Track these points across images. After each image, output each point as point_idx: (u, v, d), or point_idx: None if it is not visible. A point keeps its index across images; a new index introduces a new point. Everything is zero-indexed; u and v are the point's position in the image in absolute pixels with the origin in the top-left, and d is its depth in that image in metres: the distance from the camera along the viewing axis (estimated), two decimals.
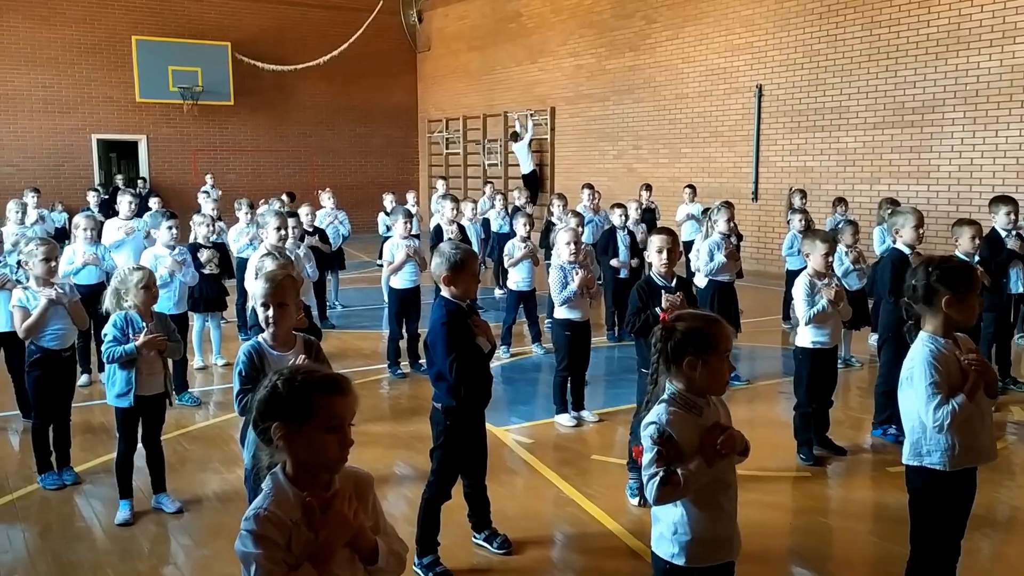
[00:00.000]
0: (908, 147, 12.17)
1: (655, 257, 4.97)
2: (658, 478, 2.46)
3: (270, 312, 3.44)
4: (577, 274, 6.14)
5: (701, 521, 2.55)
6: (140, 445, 4.68)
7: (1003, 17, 10.97)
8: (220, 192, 16.52)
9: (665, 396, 2.57)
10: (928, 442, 3.14)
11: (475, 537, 4.22)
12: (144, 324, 4.46)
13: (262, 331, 3.56)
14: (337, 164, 22.08)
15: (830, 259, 5.28)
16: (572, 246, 6.29)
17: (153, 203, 12.27)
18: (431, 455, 4.03)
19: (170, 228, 6.23)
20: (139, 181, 19.10)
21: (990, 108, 11.19)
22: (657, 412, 2.53)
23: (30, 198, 11.39)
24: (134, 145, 20.74)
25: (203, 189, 16.80)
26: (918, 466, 3.19)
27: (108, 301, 4.54)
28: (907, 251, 5.75)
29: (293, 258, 6.57)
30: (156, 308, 6.04)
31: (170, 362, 4.69)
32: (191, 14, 20.43)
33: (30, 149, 19.24)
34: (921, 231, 5.82)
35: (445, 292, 3.95)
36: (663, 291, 4.81)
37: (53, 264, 5.01)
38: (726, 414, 2.67)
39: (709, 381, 2.54)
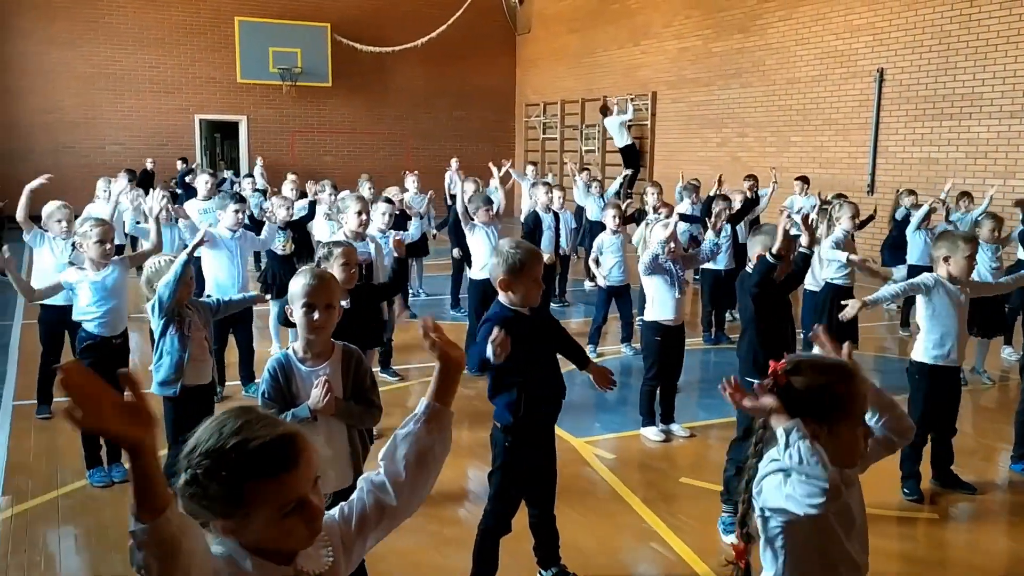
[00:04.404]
0: None
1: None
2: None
3: (315, 315, 2.86)
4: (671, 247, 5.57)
5: None
6: None
7: None
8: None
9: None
10: None
11: (541, 574, 3.70)
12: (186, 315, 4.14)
13: None
14: (432, 148, 21.72)
15: (974, 262, 4.53)
16: (669, 243, 5.65)
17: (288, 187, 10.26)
18: (489, 479, 3.54)
19: (236, 212, 5.89)
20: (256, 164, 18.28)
21: None
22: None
23: (123, 179, 11.35)
24: (235, 126, 20.96)
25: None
26: None
27: (143, 288, 4.23)
28: None
29: (373, 247, 6.07)
30: (217, 293, 5.82)
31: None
32: None
33: (136, 128, 19.60)
34: None
35: (502, 298, 3.43)
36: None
37: (108, 247, 4.73)
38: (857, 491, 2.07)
39: (834, 454, 1.87)
